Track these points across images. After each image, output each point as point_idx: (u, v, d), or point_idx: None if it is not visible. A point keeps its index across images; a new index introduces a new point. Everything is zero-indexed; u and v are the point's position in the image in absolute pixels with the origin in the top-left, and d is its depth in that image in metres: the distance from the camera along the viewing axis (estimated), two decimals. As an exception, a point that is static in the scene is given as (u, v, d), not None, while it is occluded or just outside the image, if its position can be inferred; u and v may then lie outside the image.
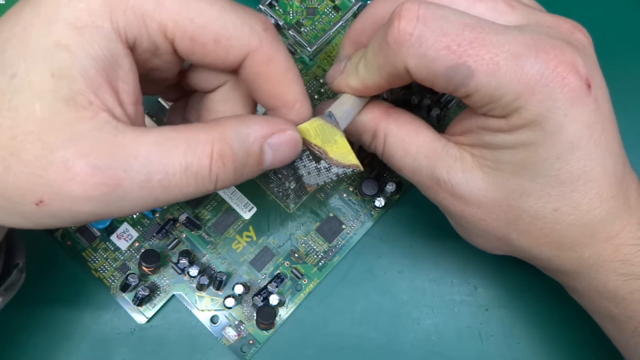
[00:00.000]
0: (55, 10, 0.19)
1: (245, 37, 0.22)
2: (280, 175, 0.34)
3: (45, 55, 0.19)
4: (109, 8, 0.20)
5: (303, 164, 0.25)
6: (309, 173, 0.25)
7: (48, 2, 0.19)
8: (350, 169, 0.25)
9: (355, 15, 0.35)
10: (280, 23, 0.34)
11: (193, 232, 0.33)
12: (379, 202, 0.33)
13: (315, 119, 0.24)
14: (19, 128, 0.19)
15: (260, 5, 0.34)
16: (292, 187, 0.34)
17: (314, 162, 0.25)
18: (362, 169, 0.25)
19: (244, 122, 0.22)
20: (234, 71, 0.23)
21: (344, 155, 0.25)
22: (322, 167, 0.25)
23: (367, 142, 0.27)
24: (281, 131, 0.22)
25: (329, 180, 0.25)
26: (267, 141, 0.22)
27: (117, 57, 0.20)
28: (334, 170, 0.25)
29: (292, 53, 0.35)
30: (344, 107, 0.25)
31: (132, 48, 0.21)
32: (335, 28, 0.34)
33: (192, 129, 0.21)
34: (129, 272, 0.32)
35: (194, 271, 0.31)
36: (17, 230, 0.27)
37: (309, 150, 0.25)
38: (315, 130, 0.24)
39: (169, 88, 0.27)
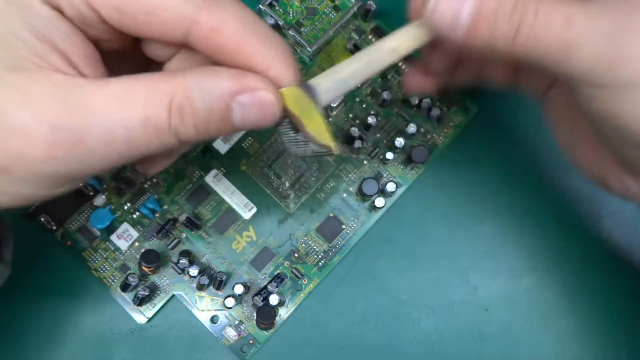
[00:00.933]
0: None
1: (180, 7, 0.20)
2: (280, 173, 0.34)
3: None
4: None
5: (284, 129, 0.22)
6: (289, 141, 0.23)
7: None
8: (324, 150, 0.22)
9: (355, 16, 0.35)
10: (280, 23, 0.34)
11: (193, 232, 0.33)
12: (379, 202, 0.33)
13: (293, 87, 0.22)
14: None
15: (260, 5, 0.34)
16: (292, 187, 0.34)
17: (292, 131, 0.22)
18: (335, 152, 0.23)
19: (209, 74, 0.20)
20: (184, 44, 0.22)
21: (319, 133, 0.22)
22: (300, 140, 0.22)
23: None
24: (252, 90, 0.20)
25: (309, 155, 0.23)
26: (236, 99, 0.20)
27: (50, 20, 0.19)
28: (311, 146, 0.22)
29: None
30: (336, 76, 0.22)
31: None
32: (335, 28, 0.34)
33: (153, 78, 0.20)
34: (129, 272, 0.32)
35: (194, 271, 0.31)
36: (7, 226, 0.27)
37: (288, 118, 0.22)
38: (294, 98, 0.22)
39: (150, 64, 0.25)
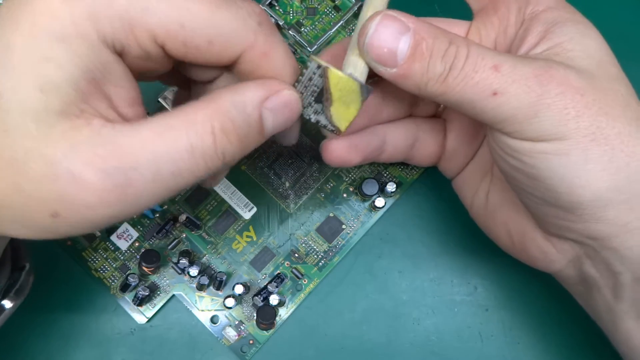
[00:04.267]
0: (37, 24, 0.18)
1: (240, 34, 0.21)
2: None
3: (32, 71, 0.18)
4: (93, 17, 0.19)
5: (305, 86, 0.23)
6: (302, 93, 0.23)
7: (28, 16, 0.18)
8: (332, 130, 0.24)
9: (355, 15, 0.35)
10: (280, 23, 0.34)
11: (193, 232, 0.33)
12: (379, 202, 0.33)
13: (353, 80, 0.22)
14: (17, 147, 0.18)
15: (260, 6, 0.34)
16: (292, 187, 0.34)
17: (311, 96, 0.23)
18: (340, 135, 0.24)
19: (237, 91, 0.21)
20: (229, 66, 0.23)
21: (341, 118, 0.24)
22: (314, 105, 0.23)
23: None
24: (277, 92, 0.21)
25: (306, 116, 0.24)
26: (265, 105, 0.21)
27: (106, 64, 0.19)
28: (322, 118, 0.24)
29: (292, 53, 0.35)
30: (361, 63, 0.23)
31: (121, 54, 0.20)
32: (335, 28, 0.34)
33: (188, 110, 0.20)
34: (129, 272, 0.32)
35: (194, 271, 0.31)
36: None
37: (320, 89, 0.23)
38: (343, 84, 0.22)
39: (169, 75, 0.26)
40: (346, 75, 0.22)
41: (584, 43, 0.22)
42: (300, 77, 0.23)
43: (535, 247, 0.26)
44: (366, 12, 0.23)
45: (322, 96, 0.23)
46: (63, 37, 0.18)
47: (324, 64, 0.22)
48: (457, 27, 0.26)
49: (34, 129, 0.18)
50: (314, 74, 0.22)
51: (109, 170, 0.19)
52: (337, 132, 0.24)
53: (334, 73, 0.22)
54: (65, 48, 0.18)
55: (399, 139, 0.29)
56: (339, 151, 0.27)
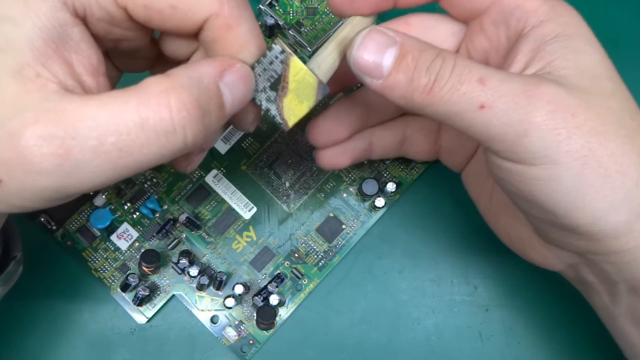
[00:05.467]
0: None
1: (204, 0, 0.21)
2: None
3: None
4: None
5: (264, 68, 0.22)
6: (260, 82, 0.23)
7: None
8: (280, 122, 0.23)
9: (355, 15, 0.35)
10: (280, 23, 0.34)
11: (193, 232, 0.33)
12: (379, 202, 0.33)
13: (312, 75, 0.22)
14: None
15: (260, 5, 0.34)
16: (292, 187, 0.34)
17: (268, 81, 0.22)
18: (286, 130, 0.23)
19: (191, 67, 0.20)
20: (197, 35, 0.22)
21: (291, 112, 0.23)
22: (268, 91, 0.23)
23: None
24: (231, 66, 0.21)
25: (258, 101, 0.23)
26: (222, 80, 0.20)
27: (65, 26, 0.19)
28: (272, 107, 0.23)
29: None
30: (326, 64, 0.23)
31: (84, 18, 0.20)
32: (336, 28, 0.34)
33: (142, 85, 0.19)
34: (129, 272, 0.32)
35: (194, 271, 0.31)
36: (13, 224, 0.27)
37: (278, 76, 0.22)
38: (302, 77, 0.22)
39: (156, 62, 0.26)
40: (307, 68, 0.22)
41: (576, 59, 0.22)
42: (262, 59, 0.22)
43: (533, 251, 0.26)
44: (347, 29, 0.23)
45: (278, 84, 0.22)
46: None
47: (288, 50, 0.22)
48: (448, 24, 0.26)
49: None
50: (276, 58, 0.22)
51: (47, 137, 0.18)
52: (284, 126, 0.23)
53: (295, 62, 0.22)
54: (23, 6, 0.18)
55: (385, 139, 0.29)
56: (328, 157, 0.28)
